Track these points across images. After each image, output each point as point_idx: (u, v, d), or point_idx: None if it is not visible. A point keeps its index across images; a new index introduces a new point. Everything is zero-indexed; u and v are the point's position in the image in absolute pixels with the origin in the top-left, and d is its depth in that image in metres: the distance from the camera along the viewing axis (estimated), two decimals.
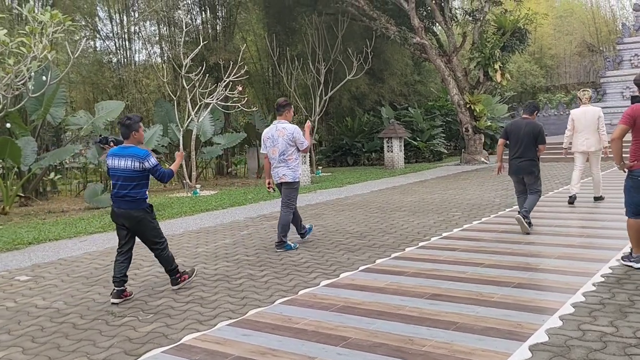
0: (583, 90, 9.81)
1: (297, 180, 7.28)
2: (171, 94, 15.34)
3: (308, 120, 7.97)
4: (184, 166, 15.08)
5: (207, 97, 14.99)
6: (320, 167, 20.11)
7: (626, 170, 5.55)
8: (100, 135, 6.19)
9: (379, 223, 8.85)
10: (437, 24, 21.15)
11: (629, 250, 5.69)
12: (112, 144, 5.62)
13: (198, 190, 14.59)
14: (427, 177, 16.02)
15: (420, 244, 7.16)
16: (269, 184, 7.50)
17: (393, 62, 23.81)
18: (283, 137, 7.14)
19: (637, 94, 5.59)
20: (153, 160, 5.43)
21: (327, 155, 23.50)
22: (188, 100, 14.79)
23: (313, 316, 4.65)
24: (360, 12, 19.83)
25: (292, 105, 7.57)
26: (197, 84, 14.65)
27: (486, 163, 19.23)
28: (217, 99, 14.89)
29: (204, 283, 5.90)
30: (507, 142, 7.85)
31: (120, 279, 5.36)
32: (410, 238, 7.56)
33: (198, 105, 14.94)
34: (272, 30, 21.18)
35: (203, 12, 21.34)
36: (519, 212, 7.52)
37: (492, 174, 15.66)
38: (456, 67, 19.59)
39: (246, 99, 16.01)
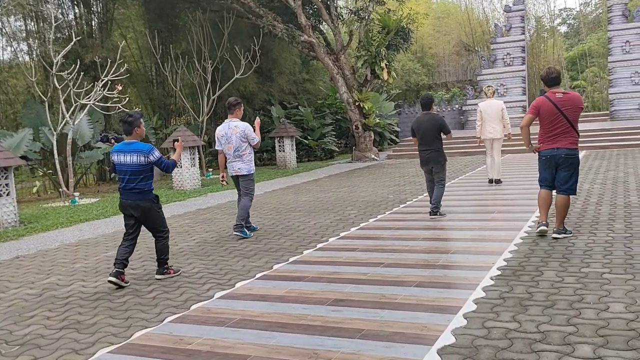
0: (488, 87, 11.10)
1: (252, 172, 7.87)
2: (41, 95, 14.00)
3: (257, 117, 8.46)
4: (59, 173, 13.83)
5: (83, 98, 13.86)
6: (211, 170, 19.42)
7: (536, 151, 6.52)
8: (101, 133, 7.25)
9: (274, 225, 8.53)
10: (324, 23, 21.17)
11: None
12: (113, 141, 6.05)
13: (77, 198, 13.45)
14: (320, 175, 15.93)
15: (319, 245, 6.92)
16: (222, 177, 8.10)
17: (281, 61, 23.56)
18: (236, 135, 7.68)
19: (543, 88, 6.30)
20: (157, 153, 5.84)
21: (217, 157, 22.77)
22: (61, 101, 13.57)
23: (207, 334, 4.22)
24: (246, 9, 19.36)
25: (241, 104, 8.02)
26: (70, 84, 13.47)
27: (377, 160, 19.54)
28: (95, 100, 13.81)
29: (81, 304, 5.25)
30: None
31: (121, 261, 5.74)
32: (307, 240, 7.30)
33: (73, 107, 13.77)
34: (153, 27, 20.12)
35: (76, 7, 19.80)
36: (432, 212, 8.16)
37: (384, 170, 15.89)
38: (344, 66, 19.70)
39: (127, 99, 14.97)
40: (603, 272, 4.95)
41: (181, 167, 14.54)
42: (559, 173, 6.25)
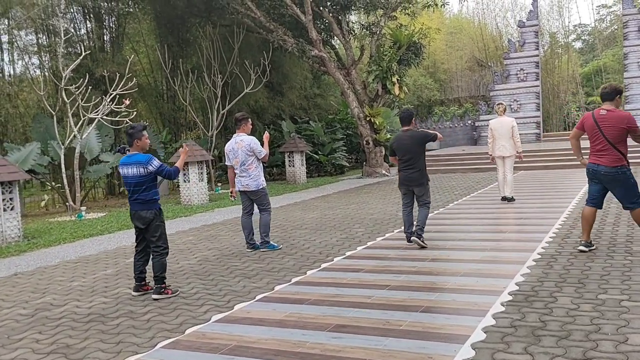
0: (499, 104, 10.94)
1: (261, 187, 7.75)
2: (49, 108, 13.95)
3: (266, 131, 8.56)
4: (66, 187, 13.73)
5: (92, 112, 13.79)
6: (220, 184, 19.27)
7: (584, 165, 6.52)
8: (120, 145, 6.86)
9: (278, 243, 8.29)
10: (335, 37, 21.08)
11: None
12: (127, 151, 6.06)
13: (83, 213, 13.32)
14: (329, 191, 15.70)
15: (323, 265, 6.68)
16: (231, 192, 7.97)
17: (292, 76, 23.47)
18: (242, 149, 7.64)
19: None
20: (156, 162, 5.86)
21: (227, 171, 22.65)
22: (69, 114, 13.50)
23: None
24: (256, 24, 19.31)
25: (249, 119, 7.95)
26: (79, 98, 13.41)
27: (387, 175, 19.29)
28: (103, 114, 13.73)
29: (73, 326, 5.04)
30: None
31: (138, 275, 5.97)
32: (312, 259, 7.06)
33: (82, 121, 13.70)
34: (164, 42, 20.13)
35: (88, 21, 19.88)
36: (411, 233, 7.38)
37: (394, 186, 15.62)
38: (355, 80, 19.55)
39: (135, 113, 14.89)
40: (621, 300, 4.66)
41: (189, 181, 14.40)
42: (613, 190, 6.25)
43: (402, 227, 7.98)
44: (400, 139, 7.44)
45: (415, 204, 7.52)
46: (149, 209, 5.86)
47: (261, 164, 7.86)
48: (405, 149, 7.32)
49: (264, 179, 7.84)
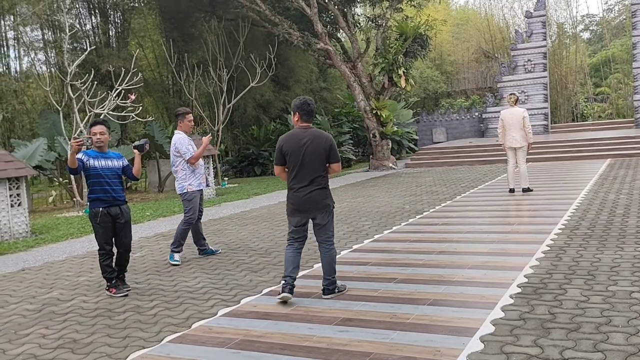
0: (510, 94, 10.88)
1: (185, 191, 7.02)
2: (55, 104, 13.97)
3: (210, 134, 7.74)
4: (73, 183, 13.76)
5: (98, 107, 13.79)
6: (227, 179, 19.27)
7: None
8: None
9: (285, 237, 8.23)
10: (340, 30, 20.98)
11: None
12: (146, 147, 6.08)
13: (88, 209, 13.32)
14: (335, 184, 15.65)
15: None
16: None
17: (298, 69, 23.41)
18: (171, 148, 7.06)
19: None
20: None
21: (233, 166, 22.67)
22: (75, 110, 13.52)
23: (206, 356, 3.97)
24: (261, 17, 19.25)
25: (188, 114, 7.17)
26: (85, 93, 13.42)
27: (394, 168, 19.22)
28: (109, 109, 13.74)
29: (80, 321, 5.03)
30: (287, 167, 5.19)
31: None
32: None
33: (88, 116, 13.71)
34: (169, 36, 20.12)
35: (93, 17, 19.89)
36: (290, 287, 4.99)
37: (400, 179, 15.57)
38: (361, 73, 19.47)
39: (141, 108, 14.89)
40: (632, 291, 4.60)
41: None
42: None
43: (409, 220, 7.85)
44: (294, 139, 5.04)
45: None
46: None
47: (193, 167, 7.06)
48: (302, 155, 4.98)
49: (191, 183, 7.04)
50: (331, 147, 5.06)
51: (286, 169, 5.16)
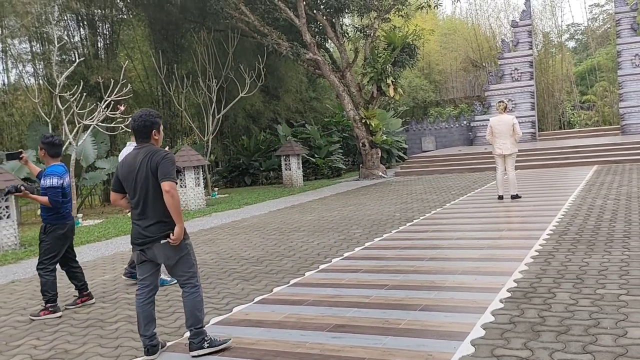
0: (499, 102, 10.84)
1: None
2: (44, 116, 13.93)
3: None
4: None
5: (87, 119, 13.77)
6: (217, 189, 19.25)
7: None
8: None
9: (276, 246, 8.28)
10: (329, 40, 21.10)
11: None
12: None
13: (80, 220, 13.29)
14: (326, 194, 15.70)
15: (321, 266, 6.67)
16: None
17: (287, 79, 23.50)
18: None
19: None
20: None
21: (223, 176, 22.65)
22: (64, 122, 13.48)
23: None
24: (250, 28, 19.33)
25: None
26: (74, 105, 13.39)
27: (384, 177, 19.30)
28: (98, 120, 13.72)
29: (72, 331, 5.02)
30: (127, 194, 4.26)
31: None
32: (310, 261, 7.05)
33: (77, 128, 13.68)
34: (159, 48, 20.13)
35: (81, 29, 19.87)
36: (153, 344, 4.18)
37: (391, 187, 15.64)
38: (350, 83, 19.58)
39: (130, 119, 14.86)
40: (620, 294, 4.66)
41: (186, 186, 14.37)
42: None
43: (399, 227, 7.91)
44: (129, 160, 4.18)
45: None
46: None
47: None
48: (135, 179, 4.10)
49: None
50: (168, 162, 4.08)
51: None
